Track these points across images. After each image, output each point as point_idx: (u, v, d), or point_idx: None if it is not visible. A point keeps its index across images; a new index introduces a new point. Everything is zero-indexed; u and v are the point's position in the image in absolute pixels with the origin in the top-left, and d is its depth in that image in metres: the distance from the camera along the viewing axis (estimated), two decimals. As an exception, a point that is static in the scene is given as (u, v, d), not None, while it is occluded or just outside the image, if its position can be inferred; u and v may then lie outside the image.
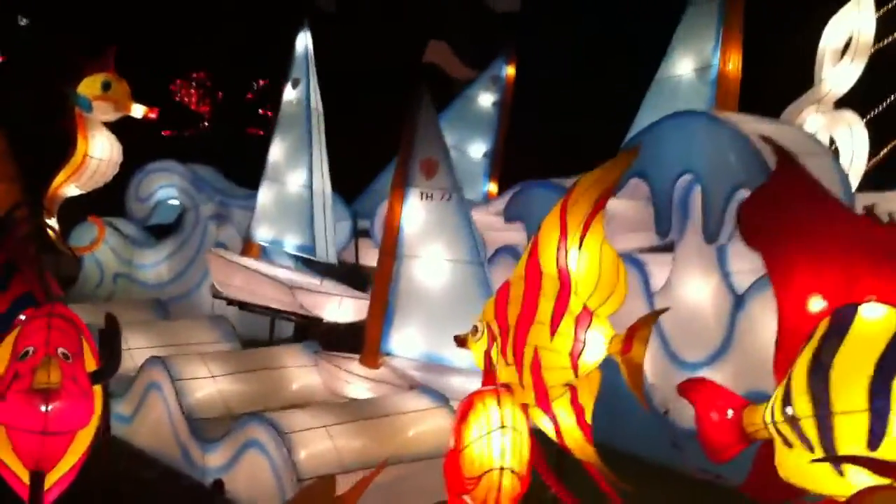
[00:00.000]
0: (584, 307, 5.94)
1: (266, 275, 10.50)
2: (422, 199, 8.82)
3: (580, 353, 5.94)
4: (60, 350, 5.87)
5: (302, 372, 9.22)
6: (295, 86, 11.10)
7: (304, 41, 11.22)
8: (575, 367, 5.98)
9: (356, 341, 9.73)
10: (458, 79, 8.39)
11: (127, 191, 14.52)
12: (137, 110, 13.39)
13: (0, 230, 9.18)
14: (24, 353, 5.83)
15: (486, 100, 15.92)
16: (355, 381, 8.96)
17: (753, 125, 8.53)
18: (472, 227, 8.82)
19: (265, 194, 11.37)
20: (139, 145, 14.10)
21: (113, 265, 14.48)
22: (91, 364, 6.17)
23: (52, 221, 13.69)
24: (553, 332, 6.03)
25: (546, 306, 6.04)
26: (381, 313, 8.93)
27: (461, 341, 6.97)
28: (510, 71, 15.94)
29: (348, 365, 9.08)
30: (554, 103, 17.12)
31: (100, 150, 13.54)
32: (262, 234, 11.32)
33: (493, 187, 15.87)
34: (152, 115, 13.56)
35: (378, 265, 9.02)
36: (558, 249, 6.03)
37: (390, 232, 8.90)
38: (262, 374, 9.01)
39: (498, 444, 5.21)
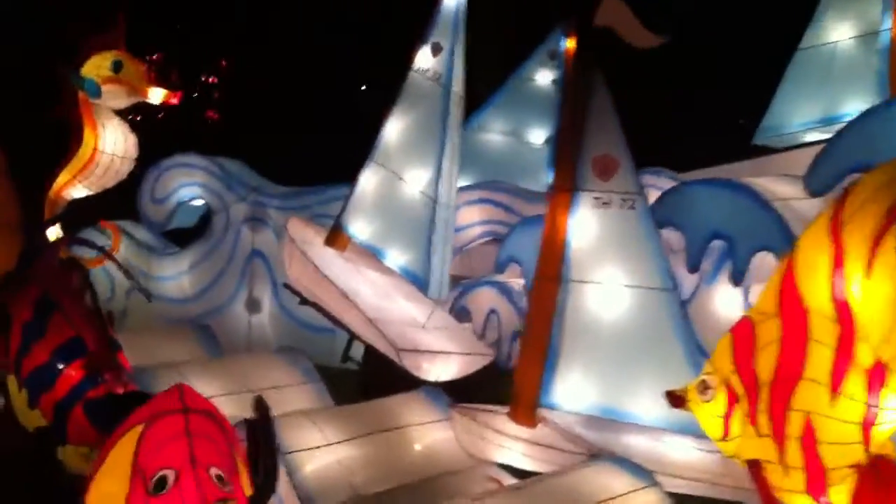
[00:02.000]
0: (878, 359, 4.42)
1: (365, 314, 8.34)
2: (595, 206, 6.80)
3: (873, 423, 4.50)
4: (214, 472, 3.79)
5: (432, 431, 7.18)
6: (435, 52, 8.74)
7: None
8: (867, 442, 4.54)
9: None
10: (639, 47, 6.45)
11: (141, 190, 12.26)
12: (155, 95, 11.16)
13: (28, 256, 7.07)
14: (160, 480, 3.71)
15: (544, 78, 13.96)
16: (507, 443, 6.94)
17: None
18: (661, 244, 6.83)
19: (369, 180, 9.01)
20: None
21: (124, 278, 12.20)
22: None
23: (55, 227, 11.42)
24: (834, 394, 4.53)
25: (820, 357, 4.53)
26: (541, 355, 6.90)
27: (678, 400, 5.33)
28: (570, 44, 13.94)
29: (494, 422, 7.05)
30: (624, 78, 15.07)
31: (112, 144, 11.31)
32: (358, 229, 9.01)
33: (557, 177, 13.87)
34: (174, 101, 11.33)
35: (535, 293, 6.99)
36: (833, 278, 4.48)
37: (552, 249, 6.88)
38: (385, 436, 6.95)
39: None
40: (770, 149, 10.14)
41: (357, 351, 9.65)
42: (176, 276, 12.22)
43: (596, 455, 6.55)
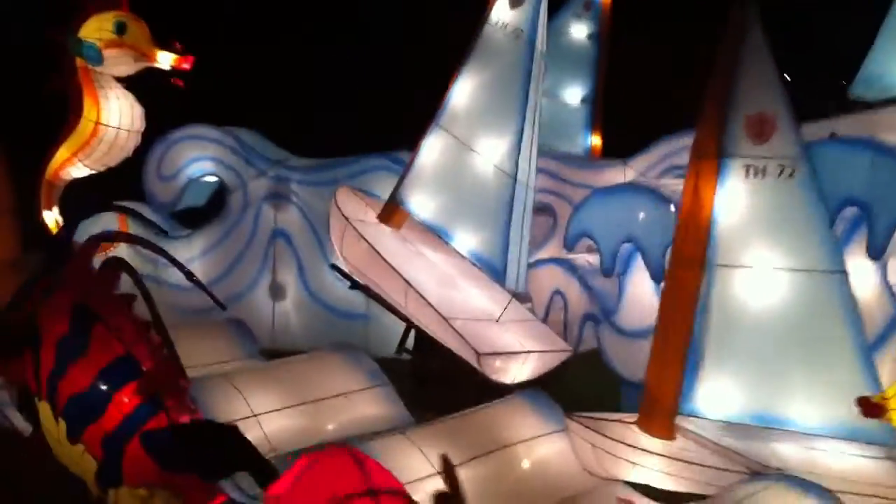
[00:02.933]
0: None
1: (438, 310, 7.22)
2: (748, 175, 5.69)
3: None
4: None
5: (544, 445, 6.05)
6: (515, 4, 7.60)
7: None
8: None
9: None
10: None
11: (146, 167, 11.01)
12: (164, 59, 9.82)
13: (56, 257, 5.84)
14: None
15: (579, 31, 12.82)
16: (640, 459, 5.83)
17: None
18: (826, 218, 5.74)
19: (433, 147, 7.82)
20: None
21: (133, 264, 10.88)
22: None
23: (53, 213, 10.17)
24: None
25: None
26: (681, 355, 5.80)
27: (875, 408, 4.64)
28: (607, -8, 12.84)
29: (622, 434, 5.95)
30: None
31: (116, 116, 9.97)
32: (419, 204, 7.85)
33: (595, 140, 12.79)
34: (186, 66, 10.00)
35: (672, 280, 5.86)
36: None
37: (693, 229, 5.75)
38: (494, 457, 5.82)
39: None
40: (865, 102, 9.05)
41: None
42: (188, 261, 10.96)
43: (758, 472, 5.47)
